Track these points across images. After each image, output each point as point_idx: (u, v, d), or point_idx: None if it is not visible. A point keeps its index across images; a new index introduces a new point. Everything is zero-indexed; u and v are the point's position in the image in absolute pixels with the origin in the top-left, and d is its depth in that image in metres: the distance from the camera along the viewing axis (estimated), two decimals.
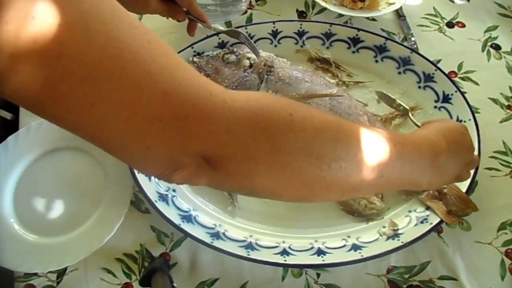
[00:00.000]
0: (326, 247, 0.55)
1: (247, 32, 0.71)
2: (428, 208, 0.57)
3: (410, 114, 0.64)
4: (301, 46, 0.73)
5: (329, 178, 0.35)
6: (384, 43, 0.70)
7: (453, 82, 0.65)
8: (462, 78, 0.72)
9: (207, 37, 0.70)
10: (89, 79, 0.25)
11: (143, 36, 0.28)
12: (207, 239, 0.53)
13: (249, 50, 0.67)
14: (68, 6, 0.25)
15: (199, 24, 0.67)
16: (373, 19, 0.79)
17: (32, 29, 0.23)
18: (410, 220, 0.56)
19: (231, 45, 0.70)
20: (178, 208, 0.57)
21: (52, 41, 0.24)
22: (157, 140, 0.29)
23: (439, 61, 0.73)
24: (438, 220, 0.55)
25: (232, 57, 0.66)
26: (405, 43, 0.71)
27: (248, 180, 0.33)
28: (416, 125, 0.61)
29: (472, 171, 0.53)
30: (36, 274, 0.54)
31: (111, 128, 0.28)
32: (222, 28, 0.69)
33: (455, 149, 0.45)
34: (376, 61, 0.71)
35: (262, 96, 0.35)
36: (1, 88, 0.25)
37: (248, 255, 0.52)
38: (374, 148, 0.37)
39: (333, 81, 0.69)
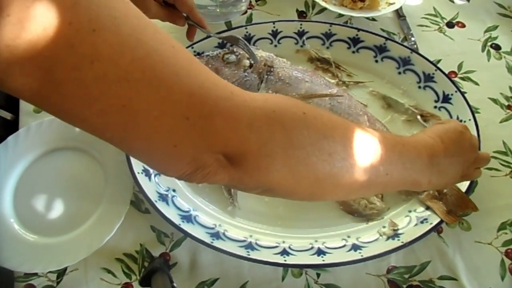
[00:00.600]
0: (326, 247, 0.55)
1: (247, 32, 0.71)
2: (428, 208, 0.57)
3: (419, 117, 0.64)
4: (301, 46, 0.73)
5: (340, 175, 0.37)
6: (384, 43, 0.70)
7: (453, 82, 0.65)
8: (462, 78, 0.72)
9: (207, 37, 0.70)
10: (122, 80, 0.27)
11: (167, 41, 0.30)
12: (207, 239, 0.53)
13: None
14: (100, 13, 0.26)
15: (198, 31, 0.67)
16: (373, 19, 0.79)
17: (67, 34, 0.24)
18: (410, 220, 0.56)
19: (231, 45, 0.70)
20: (178, 208, 0.57)
21: (87, 46, 0.25)
22: (184, 137, 0.30)
23: (439, 61, 0.73)
24: (438, 220, 0.55)
25: (232, 57, 0.66)
26: (405, 43, 0.71)
27: (265, 176, 0.35)
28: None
29: (482, 169, 0.54)
30: (36, 274, 0.54)
31: (140, 127, 0.29)
32: (221, 34, 0.69)
33: (453, 148, 0.47)
34: (376, 61, 0.71)
35: (277, 97, 0.37)
36: (22, 88, 0.25)
37: (248, 255, 0.52)
38: (378, 147, 0.39)
39: (333, 81, 0.69)
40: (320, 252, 0.54)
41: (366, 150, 0.38)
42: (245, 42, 0.66)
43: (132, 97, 0.27)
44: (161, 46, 0.29)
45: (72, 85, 0.26)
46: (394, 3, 0.78)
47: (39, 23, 0.23)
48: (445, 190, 0.56)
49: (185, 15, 0.65)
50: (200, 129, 0.31)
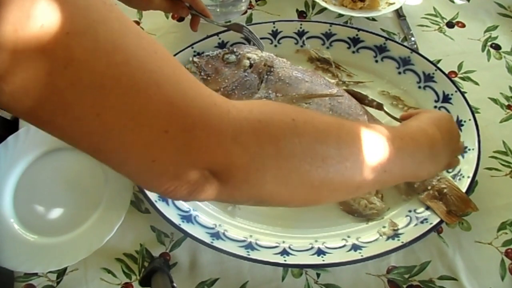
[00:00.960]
0: (326, 247, 0.55)
1: None
2: (428, 208, 0.57)
3: (385, 108, 0.64)
4: (301, 46, 0.73)
5: (336, 179, 0.35)
6: (384, 43, 0.70)
7: (453, 82, 0.65)
8: (462, 78, 0.72)
9: (207, 37, 0.70)
10: (97, 87, 0.25)
11: (150, 45, 0.28)
12: (207, 239, 0.53)
13: (249, 50, 0.67)
14: (77, 15, 0.24)
15: (201, 21, 0.67)
16: (373, 19, 0.79)
17: (39, 36, 0.23)
18: (410, 220, 0.56)
19: (231, 45, 0.70)
20: (178, 208, 0.57)
21: (60, 49, 0.24)
22: (163, 152, 0.28)
23: (439, 61, 0.73)
24: (438, 220, 0.55)
25: (232, 57, 0.66)
26: (405, 43, 0.71)
27: (256, 189, 0.33)
28: (394, 118, 0.61)
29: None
30: (36, 274, 0.54)
31: (116, 139, 0.27)
32: (225, 24, 0.69)
33: (448, 137, 0.47)
34: (376, 61, 0.71)
35: (264, 104, 0.35)
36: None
37: (248, 255, 0.52)
38: (375, 145, 0.38)
39: (333, 81, 0.69)
40: (320, 252, 0.54)
41: (362, 150, 0.36)
42: (249, 29, 0.65)
43: (107, 105, 0.26)
44: (142, 52, 0.27)
45: (46, 91, 0.24)
46: (394, 3, 0.78)
47: (10, 23, 0.22)
48: (445, 190, 0.56)
49: (188, 4, 0.65)
50: (181, 144, 0.28)
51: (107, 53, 0.25)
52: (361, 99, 0.66)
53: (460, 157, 0.60)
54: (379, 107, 0.65)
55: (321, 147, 0.34)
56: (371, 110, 0.65)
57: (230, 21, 0.78)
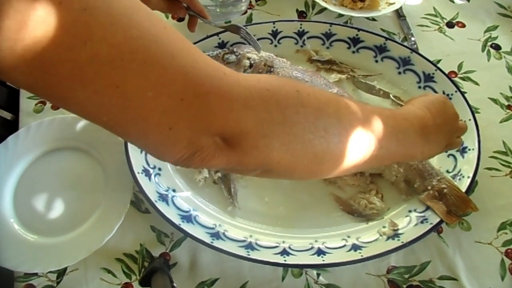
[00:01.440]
0: (326, 247, 0.55)
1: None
2: (428, 208, 0.57)
3: (391, 96, 0.65)
4: (301, 46, 0.73)
5: (337, 150, 0.37)
6: (384, 43, 0.70)
7: (453, 82, 0.65)
8: (462, 78, 0.72)
9: (207, 37, 0.70)
10: (115, 60, 0.26)
11: (159, 21, 0.30)
12: (207, 239, 0.53)
13: (249, 50, 0.67)
14: None
15: (199, 22, 0.67)
16: (373, 19, 0.79)
17: (56, 13, 0.24)
18: (410, 220, 0.56)
19: (231, 45, 0.70)
20: (178, 208, 0.57)
21: (79, 25, 0.25)
22: (180, 119, 0.30)
23: (439, 61, 0.73)
24: (438, 220, 0.55)
25: (232, 57, 0.66)
26: (405, 43, 0.71)
27: (264, 155, 0.34)
28: (400, 105, 0.62)
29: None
30: (36, 274, 0.54)
31: (135, 110, 0.28)
32: (222, 24, 0.69)
33: (440, 118, 0.48)
34: (376, 61, 0.71)
35: (270, 76, 0.37)
36: (15, 72, 0.25)
37: (248, 255, 0.52)
38: (372, 120, 0.40)
39: (343, 76, 0.69)
40: (320, 252, 0.54)
41: (359, 123, 0.38)
42: (247, 30, 0.65)
43: (126, 77, 0.27)
44: (154, 27, 0.28)
45: (66, 66, 0.25)
46: (394, 3, 0.78)
47: (34, 1, 0.23)
48: (445, 190, 0.56)
49: (185, 5, 0.65)
50: (196, 110, 0.30)
51: (123, 28, 0.26)
52: (369, 89, 0.68)
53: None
54: (386, 95, 0.67)
55: (323, 118, 0.36)
56: (377, 100, 0.66)
57: (230, 21, 0.78)
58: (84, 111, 0.29)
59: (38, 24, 0.23)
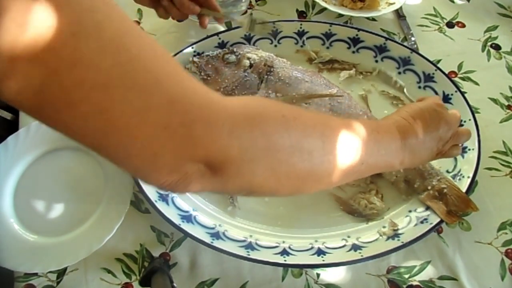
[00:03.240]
0: (326, 247, 0.55)
1: (247, 32, 0.71)
2: (428, 208, 0.57)
3: (405, 91, 0.65)
4: (301, 46, 0.73)
5: (320, 171, 0.38)
6: (384, 43, 0.70)
7: (453, 82, 0.65)
8: (462, 78, 0.72)
9: (207, 37, 0.70)
10: (102, 86, 0.26)
11: (150, 45, 0.30)
12: (207, 239, 0.53)
13: (249, 50, 0.67)
14: (83, 16, 0.25)
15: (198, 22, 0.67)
16: (373, 19, 0.79)
17: (45, 37, 0.24)
18: (410, 220, 0.56)
19: (231, 45, 0.70)
20: (178, 208, 0.57)
21: (68, 49, 0.25)
22: (164, 146, 0.30)
23: (439, 61, 0.73)
24: (438, 220, 0.55)
25: (232, 57, 0.66)
26: (405, 43, 0.71)
27: (248, 180, 0.35)
28: (411, 101, 0.62)
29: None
30: (36, 274, 0.54)
31: (120, 134, 0.28)
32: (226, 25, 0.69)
33: (428, 127, 0.48)
34: (376, 61, 0.71)
35: (257, 100, 0.37)
36: (4, 89, 0.25)
37: (248, 255, 0.52)
38: (356, 139, 0.41)
39: (351, 71, 0.69)
40: (320, 252, 0.54)
41: (343, 144, 0.39)
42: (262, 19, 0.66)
43: (111, 103, 0.27)
44: (143, 51, 0.28)
45: (53, 89, 0.25)
46: (394, 3, 0.78)
47: (17, 24, 0.23)
48: (445, 190, 0.56)
49: None
50: (180, 139, 0.30)
51: (112, 53, 0.26)
52: (388, 79, 0.69)
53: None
54: (401, 89, 0.68)
55: (308, 141, 0.36)
56: (376, 104, 0.65)
57: (230, 21, 0.78)
58: (69, 132, 0.29)
59: (28, 43, 0.24)
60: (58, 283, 0.54)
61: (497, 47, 0.76)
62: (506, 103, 0.69)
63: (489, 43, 0.77)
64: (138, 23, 0.78)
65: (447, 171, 0.60)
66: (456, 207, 0.56)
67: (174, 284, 0.49)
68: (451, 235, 0.57)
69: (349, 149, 0.40)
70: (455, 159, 0.61)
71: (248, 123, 0.33)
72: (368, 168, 0.43)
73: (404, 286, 0.54)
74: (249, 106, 0.35)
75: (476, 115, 0.62)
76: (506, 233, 0.58)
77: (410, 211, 0.58)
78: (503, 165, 0.63)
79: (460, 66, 0.74)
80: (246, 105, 0.35)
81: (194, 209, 0.58)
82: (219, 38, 0.70)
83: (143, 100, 0.28)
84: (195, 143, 0.31)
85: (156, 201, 0.55)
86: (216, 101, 0.32)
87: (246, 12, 0.80)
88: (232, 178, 0.34)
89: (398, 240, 0.54)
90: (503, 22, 0.80)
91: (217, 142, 0.31)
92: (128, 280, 0.54)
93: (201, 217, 0.57)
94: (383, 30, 0.78)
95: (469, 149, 0.60)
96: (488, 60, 0.75)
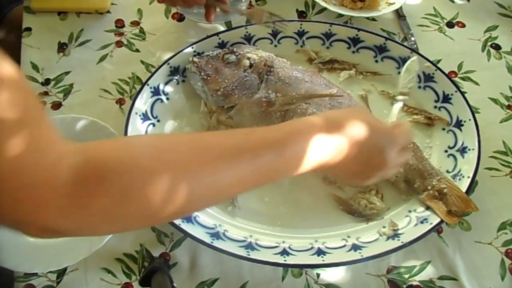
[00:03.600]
0: (326, 247, 0.55)
1: (247, 32, 0.71)
2: (428, 208, 0.57)
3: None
4: (301, 46, 0.73)
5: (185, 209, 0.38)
6: (384, 43, 0.70)
7: (453, 82, 0.65)
8: (462, 78, 0.72)
9: (207, 37, 0.70)
10: None
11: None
12: (207, 239, 0.53)
13: (249, 50, 0.67)
14: None
15: (201, 24, 0.67)
16: (373, 19, 0.79)
17: None
18: (410, 220, 0.56)
19: (231, 45, 0.70)
20: None
21: None
22: None
23: (439, 61, 0.73)
24: (438, 220, 0.55)
25: (232, 57, 0.66)
26: (405, 43, 0.71)
27: (94, 233, 0.40)
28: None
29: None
30: (36, 274, 0.54)
31: None
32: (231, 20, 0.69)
33: (354, 156, 0.44)
34: (376, 61, 0.71)
35: (116, 153, 0.35)
36: None
37: (248, 255, 0.52)
38: (227, 163, 0.37)
39: (351, 71, 0.69)
40: (320, 252, 0.54)
41: (208, 174, 0.36)
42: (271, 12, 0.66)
43: None
44: None
45: None
46: (394, 3, 0.78)
47: None
48: (445, 190, 0.56)
49: None
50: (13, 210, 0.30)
51: None
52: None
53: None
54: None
55: (159, 181, 0.34)
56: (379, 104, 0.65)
57: (230, 21, 0.78)
58: None
59: None
60: (58, 283, 0.54)
61: (497, 47, 0.76)
62: (506, 103, 0.69)
63: (489, 43, 0.77)
64: (138, 23, 0.77)
65: (447, 171, 0.60)
66: (456, 207, 0.55)
67: (174, 284, 0.49)
68: (451, 235, 0.57)
69: (220, 176, 0.37)
70: (455, 159, 0.61)
71: (78, 201, 0.31)
72: (244, 184, 0.40)
73: (404, 286, 0.54)
74: (103, 161, 0.34)
75: (476, 115, 0.62)
76: (506, 233, 0.58)
77: (410, 211, 0.58)
78: (503, 165, 0.63)
79: (460, 66, 0.74)
80: (85, 162, 0.34)
81: None
82: (219, 38, 0.70)
83: None
84: (26, 226, 0.31)
85: None
86: (47, 167, 0.31)
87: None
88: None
89: (398, 240, 0.54)
90: (503, 22, 0.80)
91: (48, 224, 0.31)
92: (128, 280, 0.54)
93: (201, 217, 0.57)
94: (383, 30, 0.78)
95: (469, 149, 0.60)
96: (488, 60, 0.75)
